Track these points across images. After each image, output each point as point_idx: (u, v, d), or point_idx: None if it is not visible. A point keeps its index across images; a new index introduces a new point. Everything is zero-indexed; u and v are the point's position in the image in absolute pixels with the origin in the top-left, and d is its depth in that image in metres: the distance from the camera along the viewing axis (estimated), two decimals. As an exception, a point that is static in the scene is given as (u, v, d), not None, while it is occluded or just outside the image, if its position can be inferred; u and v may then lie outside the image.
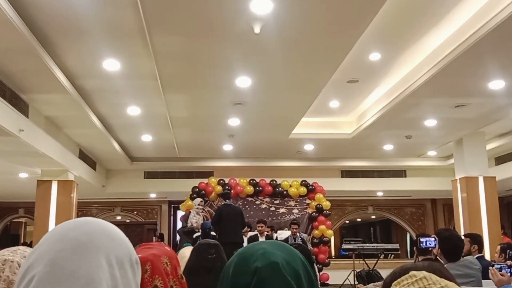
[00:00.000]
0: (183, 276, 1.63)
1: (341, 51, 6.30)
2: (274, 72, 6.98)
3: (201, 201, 9.88)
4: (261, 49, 6.19)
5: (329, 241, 12.49)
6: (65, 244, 0.83)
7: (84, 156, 10.94)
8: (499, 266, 3.28)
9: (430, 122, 9.24)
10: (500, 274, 3.21)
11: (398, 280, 0.95)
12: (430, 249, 4.19)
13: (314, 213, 12.16)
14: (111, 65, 6.66)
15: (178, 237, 10.65)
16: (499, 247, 5.54)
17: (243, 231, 9.19)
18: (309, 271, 1.01)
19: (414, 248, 4.45)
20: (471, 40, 5.80)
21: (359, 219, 19.05)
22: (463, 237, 5.43)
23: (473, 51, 5.99)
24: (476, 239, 5.21)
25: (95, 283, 0.80)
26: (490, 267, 3.32)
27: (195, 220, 9.46)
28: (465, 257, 4.00)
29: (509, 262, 3.55)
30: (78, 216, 12.21)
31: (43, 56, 5.96)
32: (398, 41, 6.87)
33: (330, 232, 12.17)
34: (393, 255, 14.65)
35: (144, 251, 1.62)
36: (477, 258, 4.75)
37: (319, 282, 10.25)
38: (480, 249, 5.14)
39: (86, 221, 0.89)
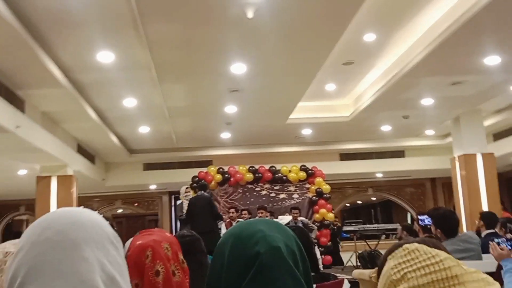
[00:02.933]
0: (184, 261, 1.65)
1: (334, 33, 6.29)
2: (268, 57, 6.96)
3: (187, 188, 9.79)
4: (255, 35, 6.17)
5: (330, 224, 12.54)
6: (44, 246, 0.83)
7: (82, 150, 10.94)
8: (498, 240, 3.31)
9: (427, 101, 9.24)
10: (500, 248, 3.24)
11: (392, 254, 1.01)
12: (428, 226, 4.23)
13: (314, 197, 12.18)
14: (106, 57, 6.63)
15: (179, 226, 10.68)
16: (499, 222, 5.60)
17: (218, 220, 8.98)
18: (301, 248, 1.02)
19: (415, 225, 4.50)
20: (466, 16, 5.78)
21: (359, 201, 19.13)
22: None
23: (468, 27, 5.97)
24: (484, 216, 5.40)
25: (88, 281, 0.81)
26: (490, 242, 3.35)
27: None
28: (464, 232, 4.03)
29: (508, 235, 3.58)
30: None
31: (36, 51, 5.94)
32: (392, 20, 6.84)
33: (330, 215, 12.21)
34: (394, 236, 14.73)
35: (144, 237, 1.64)
36: (487, 234, 4.85)
37: (321, 265, 10.30)
38: (490, 225, 5.22)
39: (55, 217, 0.88)
